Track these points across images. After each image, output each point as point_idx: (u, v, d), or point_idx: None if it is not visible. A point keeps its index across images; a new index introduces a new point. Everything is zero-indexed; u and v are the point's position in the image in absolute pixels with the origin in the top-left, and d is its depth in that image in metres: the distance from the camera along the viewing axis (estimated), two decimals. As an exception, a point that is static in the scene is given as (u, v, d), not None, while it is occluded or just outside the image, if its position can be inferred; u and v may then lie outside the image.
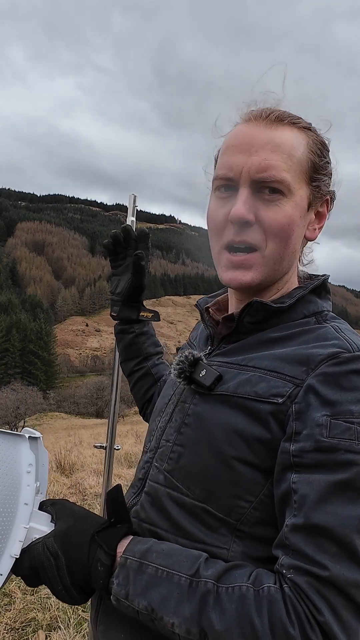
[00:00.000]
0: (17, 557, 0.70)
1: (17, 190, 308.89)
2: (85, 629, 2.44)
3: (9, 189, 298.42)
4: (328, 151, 0.78)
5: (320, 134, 0.78)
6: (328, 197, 0.79)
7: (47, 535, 0.71)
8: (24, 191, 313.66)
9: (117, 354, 1.91)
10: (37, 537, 0.72)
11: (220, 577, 0.61)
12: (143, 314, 1.15)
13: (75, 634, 2.38)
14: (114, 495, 0.71)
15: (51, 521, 0.75)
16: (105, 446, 2.01)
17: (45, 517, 0.75)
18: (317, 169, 0.75)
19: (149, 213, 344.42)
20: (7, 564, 0.69)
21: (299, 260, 0.82)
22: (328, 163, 0.78)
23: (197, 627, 0.59)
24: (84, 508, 0.77)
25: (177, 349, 1.10)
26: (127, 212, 2.01)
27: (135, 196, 1.94)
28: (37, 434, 0.84)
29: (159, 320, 1.17)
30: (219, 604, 0.59)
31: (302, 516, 0.60)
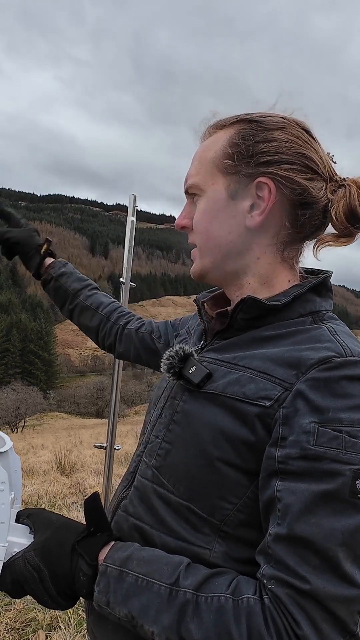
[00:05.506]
0: None
1: (17, 190, 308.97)
2: (85, 628, 2.44)
3: (9, 189, 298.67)
4: (265, 130, 0.73)
5: (255, 116, 0.75)
6: (262, 178, 0.72)
7: (27, 549, 0.70)
8: (24, 191, 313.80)
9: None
10: (17, 550, 0.71)
11: (199, 586, 0.61)
12: (41, 249, 1.19)
13: (76, 634, 2.38)
14: (91, 504, 0.71)
15: (30, 532, 0.73)
16: (106, 446, 2.01)
17: (23, 529, 0.74)
18: (234, 156, 0.73)
19: (149, 213, 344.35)
20: None
21: (281, 254, 0.76)
22: (260, 142, 0.72)
23: (176, 636, 0.59)
24: (62, 516, 0.76)
25: (172, 324, 1.13)
26: (127, 212, 2.01)
27: (135, 196, 1.95)
28: (7, 446, 0.81)
29: (52, 241, 1.20)
30: (197, 614, 0.59)
31: (285, 526, 0.59)
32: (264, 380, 0.66)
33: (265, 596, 0.58)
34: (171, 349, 0.77)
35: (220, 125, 0.79)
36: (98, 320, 1.20)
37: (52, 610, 2.59)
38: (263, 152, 0.72)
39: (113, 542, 0.70)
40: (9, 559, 0.70)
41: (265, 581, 0.59)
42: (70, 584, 0.67)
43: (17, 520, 0.75)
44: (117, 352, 1.20)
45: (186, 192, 0.81)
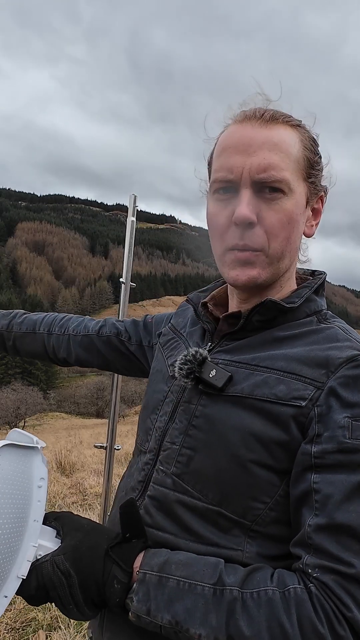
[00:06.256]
0: (25, 577, 0.65)
1: (17, 190, 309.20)
2: (86, 629, 2.44)
3: (9, 189, 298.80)
4: (318, 146, 0.79)
5: (309, 130, 0.78)
6: (322, 192, 0.80)
7: (55, 553, 0.67)
8: (24, 191, 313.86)
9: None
10: (42, 554, 0.68)
11: (243, 582, 0.61)
12: None
13: (76, 634, 2.38)
14: (128, 509, 0.69)
15: (56, 536, 0.70)
16: (106, 446, 2.01)
17: (50, 532, 0.70)
18: (312, 165, 0.76)
19: (149, 213, 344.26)
20: (13, 586, 0.65)
21: (297, 257, 0.83)
22: (320, 158, 0.78)
23: (224, 636, 0.58)
24: (91, 520, 0.73)
25: (143, 323, 1.09)
26: (127, 212, 2.01)
27: (135, 196, 1.94)
28: (42, 443, 0.77)
29: None
30: (246, 610, 0.59)
31: (325, 515, 0.61)
32: (293, 381, 0.67)
33: (311, 584, 0.59)
34: (186, 353, 0.75)
35: (284, 120, 0.74)
36: (40, 339, 1.15)
37: (52, 610, 2.59)
38: (322, 168, 0.79)
39: (145, 550, 0.68)
40: (34, 563, 0.67)
41: (309, 570, 0.60)
42: (101, 591, 0.65)
43: (43, 523, 0.72)
44: (75, 361, 1.14)
45: (260, 182, 0.70)
